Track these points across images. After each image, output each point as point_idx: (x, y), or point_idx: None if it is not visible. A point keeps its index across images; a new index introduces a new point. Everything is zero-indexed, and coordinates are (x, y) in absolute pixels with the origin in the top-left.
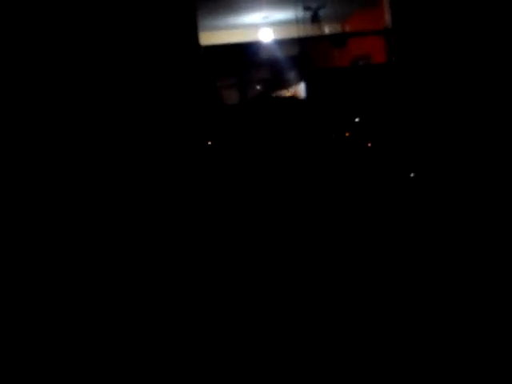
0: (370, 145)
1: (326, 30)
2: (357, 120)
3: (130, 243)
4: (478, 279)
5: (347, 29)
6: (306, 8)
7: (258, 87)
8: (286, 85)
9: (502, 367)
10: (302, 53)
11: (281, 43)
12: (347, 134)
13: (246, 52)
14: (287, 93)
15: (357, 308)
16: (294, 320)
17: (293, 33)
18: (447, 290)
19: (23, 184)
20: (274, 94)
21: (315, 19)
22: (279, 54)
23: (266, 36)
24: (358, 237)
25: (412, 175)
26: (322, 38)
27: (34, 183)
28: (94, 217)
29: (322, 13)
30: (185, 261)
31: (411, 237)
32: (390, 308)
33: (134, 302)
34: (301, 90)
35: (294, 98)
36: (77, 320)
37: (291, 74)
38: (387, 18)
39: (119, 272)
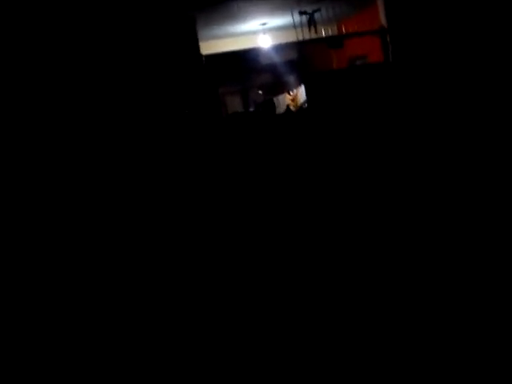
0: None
1: (323, 32)
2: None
3: (130, 244)
4: (479, 280)
5: (343, 30)
6: (302, 12)
7: (260, 92)
8: (287, 88)
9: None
10: (301, 56)
11: (279, 48)
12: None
13: (246, 59)
14: (289, 96)
15: (358, 306)
16: (295, 318)
17: (290, 37)
18: (448, 289)
19: (24, 183)
20: (275, 98)
21: (311, 23)
22: (278, 59)
23: (265, 42)
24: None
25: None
26: (319, 41)
27: (37, 183)
28: (94, 217)
29: (317, 16)
30: (186, 262)
31: (412, 238)
32: (391, 307)
33: (134, 302)
34: (302, 92)
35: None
36: (77, 320)
37: (291, 78)
38: (382, 17)
39: (119, 272)
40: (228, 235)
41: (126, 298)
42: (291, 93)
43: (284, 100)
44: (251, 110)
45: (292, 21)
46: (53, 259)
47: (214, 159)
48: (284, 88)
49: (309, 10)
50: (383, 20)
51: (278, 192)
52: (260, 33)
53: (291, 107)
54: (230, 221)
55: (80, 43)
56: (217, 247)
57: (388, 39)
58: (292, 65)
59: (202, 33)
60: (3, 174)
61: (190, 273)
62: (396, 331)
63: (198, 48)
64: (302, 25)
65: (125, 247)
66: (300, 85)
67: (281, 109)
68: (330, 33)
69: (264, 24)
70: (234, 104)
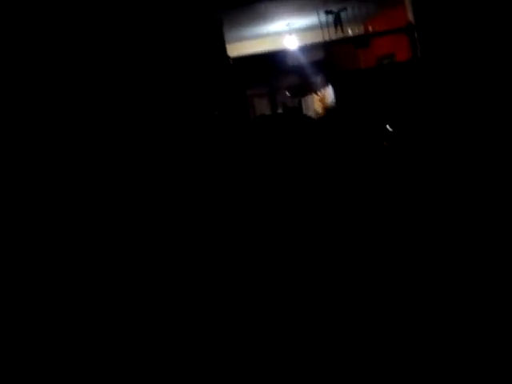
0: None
1: (349, 32)
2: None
3: (134, 243)
4: (479, 280)
5: (370, 29)
6: (328, 12)
7: (288, 93)
8: (314, 89)
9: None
10: (328, 56)
11: (306, 49)
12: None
13: (273, 60)
14: (317, 97)
15: (359, 306)
16: (295, 318)
17: (317, 38)
18: (448, 288)
19: (30, 181)
20: (303, 99)
21: (337, 22)
22: (305, 59)
23: (291, 43)
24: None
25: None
26: (346, 41)
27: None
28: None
29: (343, 15)
30: (188, 260)
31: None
32: (391, 307)
33: (135, 302)
34: (329, 93)
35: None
36: (77, 319)
37: (318, 79)
38: (409, 14)
39: (121, 272)
40: (252, 236)
41: (127, 297)
42: (319, 93)
43: (312, 101)
44: (279, 111)
45: (318, 21)
46: (56, 258)
47: (243, 161)
48: (311, 89)
49: (335, 9)
50: (411, 17)
51: (305, 193)
52: (286, 34)
53: (320, 108)
54: (257, 221)
55: (109, 46)
56: (242, 247)
57: (416, 36)
58: (319, 65)
59: (228, 35)
60: (4, 174)
61: (192, 271)
62: (396, 331)
63: (224, 50)
64: (328, 25)
65: (150, 245)
66: (328, 85)
67: (309, 110)
68: (357, 32)
69: (290, 24)
70: (262, 106)
